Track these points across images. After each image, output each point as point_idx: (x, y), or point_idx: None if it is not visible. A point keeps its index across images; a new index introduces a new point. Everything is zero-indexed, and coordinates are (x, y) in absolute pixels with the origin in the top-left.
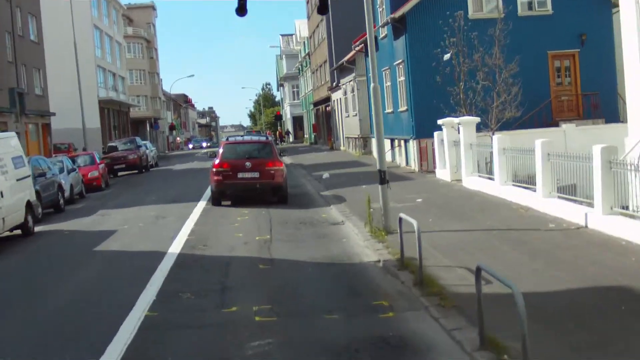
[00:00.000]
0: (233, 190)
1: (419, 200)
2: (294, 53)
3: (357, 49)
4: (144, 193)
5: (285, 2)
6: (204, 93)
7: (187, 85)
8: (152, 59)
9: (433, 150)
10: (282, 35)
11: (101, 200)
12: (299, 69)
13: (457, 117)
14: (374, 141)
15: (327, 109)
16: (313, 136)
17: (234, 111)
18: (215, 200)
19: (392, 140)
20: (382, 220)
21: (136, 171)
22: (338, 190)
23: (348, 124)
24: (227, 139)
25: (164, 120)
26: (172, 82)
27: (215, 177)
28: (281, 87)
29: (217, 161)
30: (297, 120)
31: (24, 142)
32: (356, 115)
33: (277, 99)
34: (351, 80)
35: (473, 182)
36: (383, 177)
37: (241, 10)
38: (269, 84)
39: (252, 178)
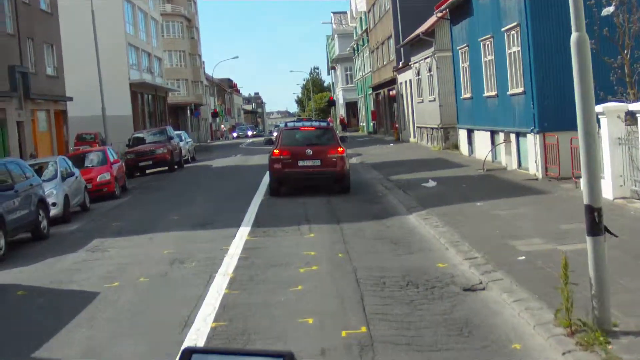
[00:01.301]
0: (293, 180)
1: None
2: (348, 32)
3: (439, 15)
4: (166, 207)
5: None
6: (249, 77)
7: (231, 69)
8: (193, 40)
9: (572, 149)
10: (334, 12)
11: (106, 218)
12: (354, 49)
13: (620, 101)
14: (461, 133)
15: (391, 93)
16: (372, 125)
17: (281, 97)
18: (274, 191)
19: (493, 134)
20: (592, 307)
21: (166, 168)
22: (441, 209)
23: (422, 111)
24: (286, 125)
25: (206, 106)
26: (214, 65)
27: (275, 165)
28: (332, 71)
29: (276, 149)
30: (351, 107)
31: (30, 132)
32: (434, 100)
33: (325, 84)
34: (428, 57)
35: None
36: (598, 220)
37: None
38: (318, 68)
39: (313, 166)
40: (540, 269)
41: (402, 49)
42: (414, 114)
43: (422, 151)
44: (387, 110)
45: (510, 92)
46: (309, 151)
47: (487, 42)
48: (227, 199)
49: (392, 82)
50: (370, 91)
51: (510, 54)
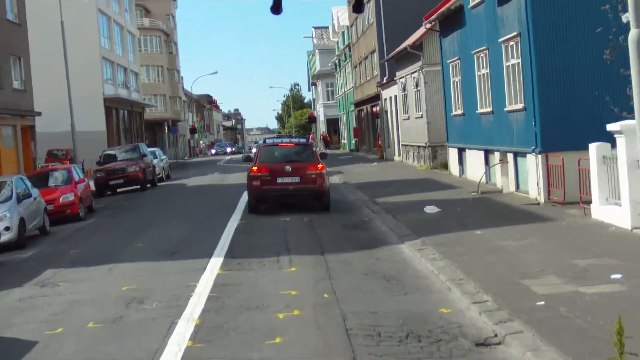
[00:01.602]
0: (272, 197)
1: (616, 276)
2: (329, 48)
3: (428, 26)
4: (133, 231)
5: None
6: (229, 93)
7: (211, 85)
8: (172, 54)
9: (580, 171)
10: (315, 28)
11: (65, 244)
12: (335, 65)
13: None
14: (451, 152)
15: (375, 109)
16: (354, 142)
17: (260, 113)
18: (253, 208)
19: (488, 153)
20: None
21: (138, 187)
22: (436, 237)
23: (407, 129)
24: (265, 141)
25: (184, 122)
26: (193, 80)
27: (254, 183)
28: (313, 87)
29: (254, 166)
30: (332, 123)
31: None
32: (421, 116)
33: (306, 100)
34: (415, 72)
35: None
36: None
37: (276, 8)
38: (298, 85)
39: (292, 183)
40: (566, 318)
41: (386, 63)
42: (399, 131)
43: (409, 171)
44: (370, 127)
45: (508, 108)
46: (288, 168)
47: (482, 55)
48: (200, 223)
49: (376, 98)
50: (352, 107)
51: (508, 66)
